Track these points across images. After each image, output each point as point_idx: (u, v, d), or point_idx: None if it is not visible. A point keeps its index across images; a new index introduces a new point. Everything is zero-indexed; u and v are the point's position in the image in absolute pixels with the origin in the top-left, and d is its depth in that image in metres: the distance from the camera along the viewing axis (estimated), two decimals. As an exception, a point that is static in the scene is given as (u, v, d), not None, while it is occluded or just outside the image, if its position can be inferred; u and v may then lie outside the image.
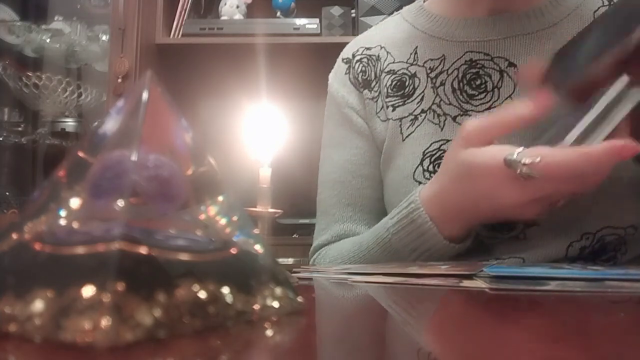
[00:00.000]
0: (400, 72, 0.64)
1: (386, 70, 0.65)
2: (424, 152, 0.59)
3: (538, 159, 0.41)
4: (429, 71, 0.62)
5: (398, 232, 0.53)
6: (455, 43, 0.62)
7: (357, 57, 0.69)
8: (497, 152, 0.45)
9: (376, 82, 0.66)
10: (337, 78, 0.70)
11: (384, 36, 0.69)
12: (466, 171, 0.48)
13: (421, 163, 0.58)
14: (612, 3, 0.60)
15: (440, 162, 0.55)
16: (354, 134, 0.67)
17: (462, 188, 0.48)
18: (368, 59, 0.67)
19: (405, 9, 0.71)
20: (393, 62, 0.65)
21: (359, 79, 0.67)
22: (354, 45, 0.71)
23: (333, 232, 0.65)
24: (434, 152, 0.58)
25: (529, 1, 0.61)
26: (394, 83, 0.64)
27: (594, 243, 0.53)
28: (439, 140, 0.59)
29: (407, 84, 0.63)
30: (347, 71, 0.69)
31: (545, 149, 0.43)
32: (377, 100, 0.65)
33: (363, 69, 0.67)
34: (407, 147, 0.60)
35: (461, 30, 0.62)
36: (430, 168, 0.58)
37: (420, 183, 0.57)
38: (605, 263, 0.54)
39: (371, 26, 1.56)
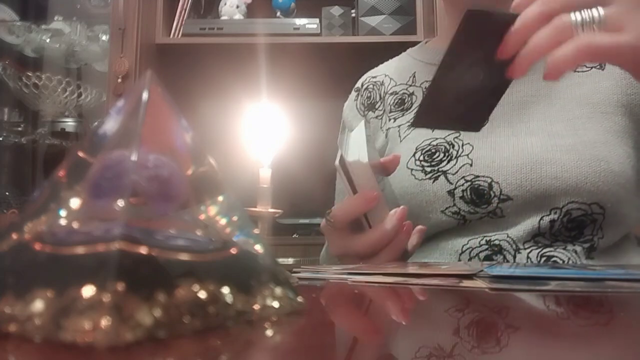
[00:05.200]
0: (400, 92, 0.79)
1: (390, 92, 0.80)
2: (417, 147, 0.70)
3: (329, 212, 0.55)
4: (424, 90, 0.75)
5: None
6: None
7: (365, 85, 0.84)
8: None
9: (381, 103, 0.80)
10: (348, 104, 0.86)
11: (389, 67, 0.84)
12: None
13: (414, 155, 0.69)
14: None
15: (429, 154, 0.68)
16: None
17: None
18: (374, 85, 0.83)
19: (410, 49, 0.86)
20: (395, 85, 0.80)
21: (365, 103, 0.82)
22: (364, 77, 0.86)
23: None
24: (424, 147, 0.69)
25: None
26: (395, 101, 0.78)
27: (561, 216, 0.60)
28: (429, 138, 0.70)
29: (406, 101, 0.77)
30: (356, 98, 0.84)
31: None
32: (381, 118, 0.79)
33: (369, 94, 0.83)
34: (404, 146, 0.72)
35: None
36: (421, 158, 0.68)
37: (412, 170, 0.68)
38: (583, 245, 0.60)
39: (371, 26, 1.59)
